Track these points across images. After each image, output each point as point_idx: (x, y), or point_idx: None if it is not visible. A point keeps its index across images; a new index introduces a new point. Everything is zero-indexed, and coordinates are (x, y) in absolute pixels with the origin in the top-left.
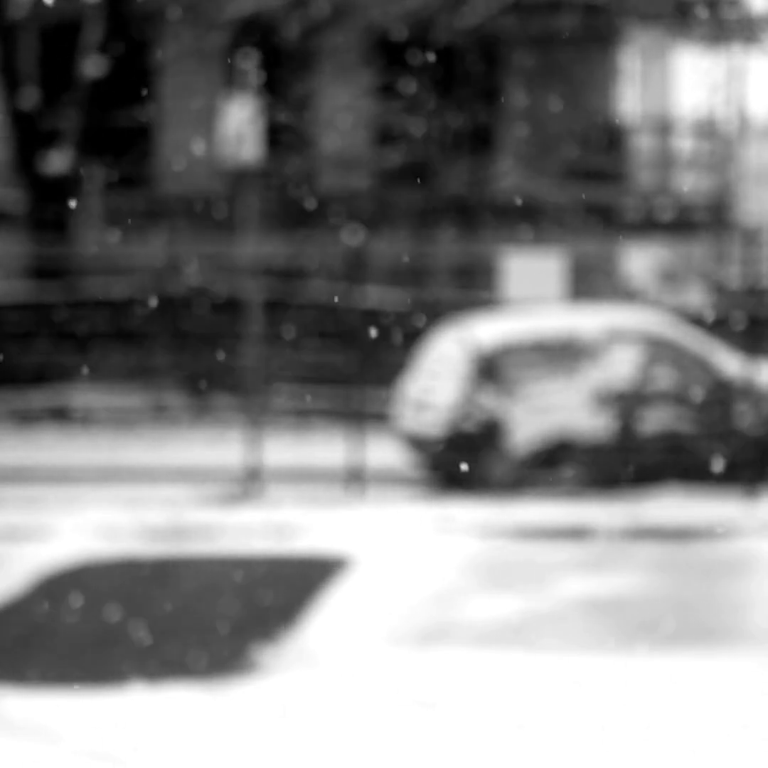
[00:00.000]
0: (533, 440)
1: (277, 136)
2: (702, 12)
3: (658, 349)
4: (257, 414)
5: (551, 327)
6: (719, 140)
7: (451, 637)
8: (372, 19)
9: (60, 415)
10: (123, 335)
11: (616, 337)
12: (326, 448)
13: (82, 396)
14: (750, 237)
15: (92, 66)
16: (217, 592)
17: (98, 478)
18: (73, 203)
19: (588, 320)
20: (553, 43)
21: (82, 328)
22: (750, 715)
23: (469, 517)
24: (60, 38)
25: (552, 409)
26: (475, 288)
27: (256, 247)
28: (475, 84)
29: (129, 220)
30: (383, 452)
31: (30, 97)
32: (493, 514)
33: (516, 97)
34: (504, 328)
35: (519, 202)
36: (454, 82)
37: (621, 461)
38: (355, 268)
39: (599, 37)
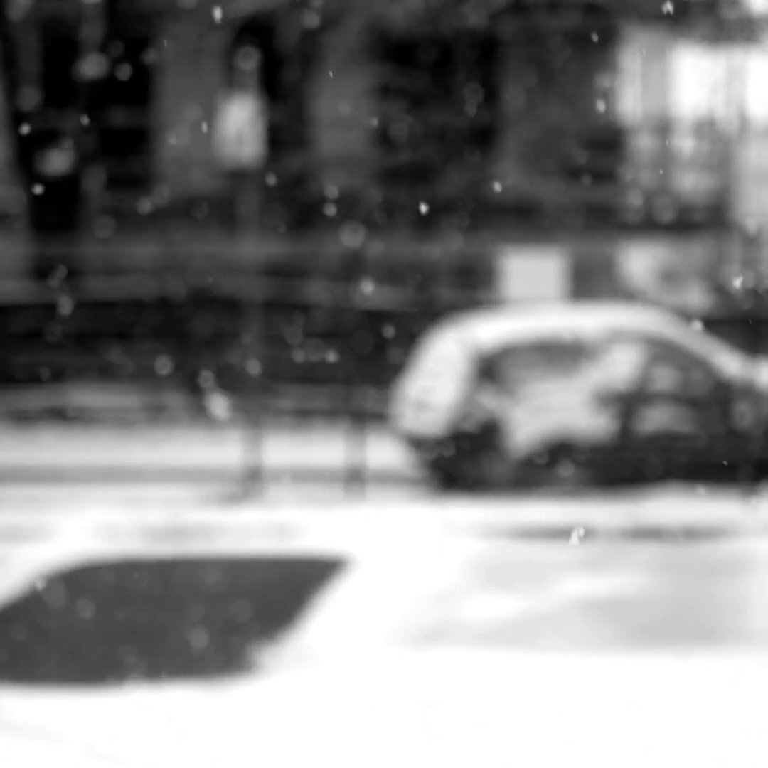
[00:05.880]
0: (533, 440)
1: (277, 136)
2: (702, 12)
3: (658, 349)
4: (257, 414)
5: (551, 327)
6: (719, 140)
7: (451, 637)
8: (372, 19)
9: (60, 415)
10: (123, 335)
11: (616, 337)
12: (326, 448)
13: (82, 396)
14: (750, 237)
15: (92, 66)
16: (217, 592)
17: (98, 478)
18: (73, 203)
19: (588, 320)
20: (553, 43)
21: (82, 328)
22: (750, 716)
23: (469, 517)
24: (60, 38)
25: (552, 409)
26: (475, 288)
27: (256, 247)
28: (476, 84)
29: (129, 220)
30: (383, 452)
31: (30, 97)
32: (493, 514)
33: (516, 97)
34: (504, 328)
35: (519, 202)
36: (454, 81)
37: (621, 461)
38: (355, 268)
39: (599, 37)
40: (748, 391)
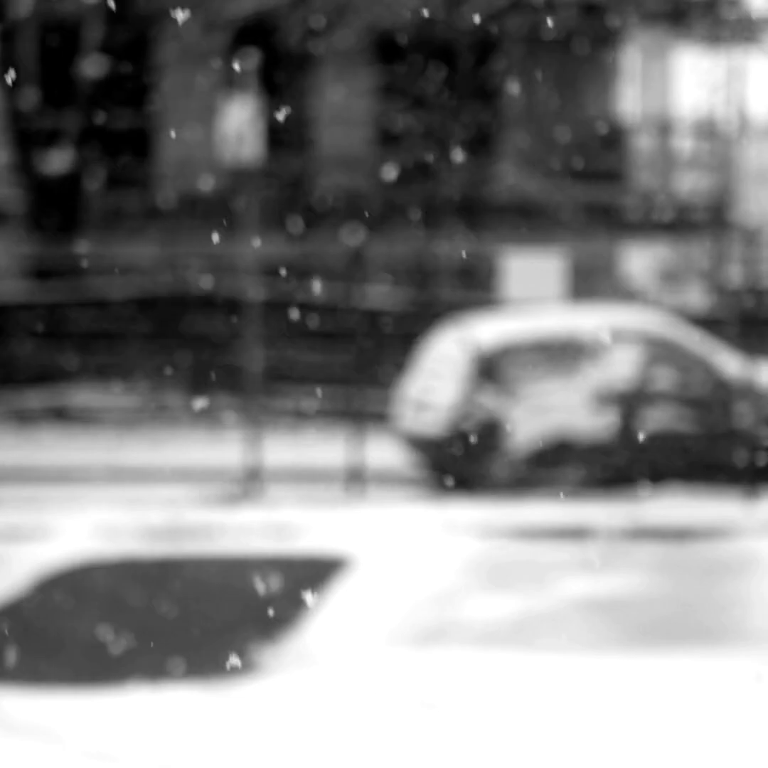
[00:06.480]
0: (533, 440)
1: (277, 136)
2: (702, 12)
3: (658, 349)
4: (257, 414)
5: (551, 327)
6: (719, 140)
7: (451, 637)
8: (372, 19)
9: (60, 415)
10: (123, 335)
11: (616, 337)
12: (326, 448)
13: (82, 396)
14: (750, 237)
15: (92, 66)
16: (217, 592)
17: (98, 478)
18: (73, 203)
19: (588, 320)
20: (553, 43)
21: (82, 328)
22: (750, 716)
23: (469, 517)
24: (60, 38)
25: (552, 409)
26: (475, 288)
27: (256, 247)
28: (476, 84)
29: (129, 220)
30: (383, 452)
31: (30, 97)
32: (493, 514)
33: (516, 97)
34: (504, 328)
35: (519, 202)
36: (454, 82)
37: (621, 461)
38: (355, 268)
39: (599, 37)
40: (748, 391)
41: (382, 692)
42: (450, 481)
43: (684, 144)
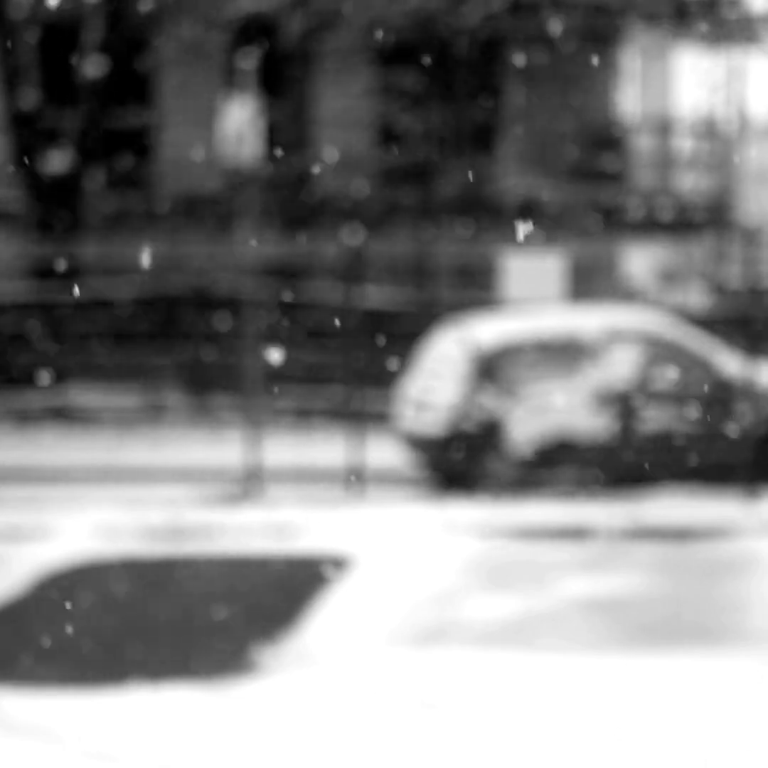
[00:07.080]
0: (533, 440)
1: (277, 136)
2: (702, 12)
3: (658, 349)
4: (257, 414)
5: (551, 327)
6: (719, 140)
7: (451, 637)
8: (372, 19)
9: (60, 415)
10: (123, 335)
11: (616, 337)
12: (326, 448)
13: (82, 396)
14: (750, 237)
15: (92, 66)
16: (217, 593)
17: (98, 478)
18: (73, 203)
19: (588, 320)
20: (553, 43)
21: (82, 328)
22: (750, 715)
23: (469, 517)
24: (60, 38)
25: (552, 409)
26: (475, 288)
27: (256, 247)
28: (476, 84)
29: (129, 220)
30: (383, 452)
31: (30, 97)
32: (493, 514)
33: (516, 97)
34: (504, 328)
35: (519, 202)
36: (454, 82)
37: (621, 461)
38: (355, 268)
39: (599, 37)
40: (748, 391)
41: (383, 692)
42: (450, 481)
43: (684, 144)
